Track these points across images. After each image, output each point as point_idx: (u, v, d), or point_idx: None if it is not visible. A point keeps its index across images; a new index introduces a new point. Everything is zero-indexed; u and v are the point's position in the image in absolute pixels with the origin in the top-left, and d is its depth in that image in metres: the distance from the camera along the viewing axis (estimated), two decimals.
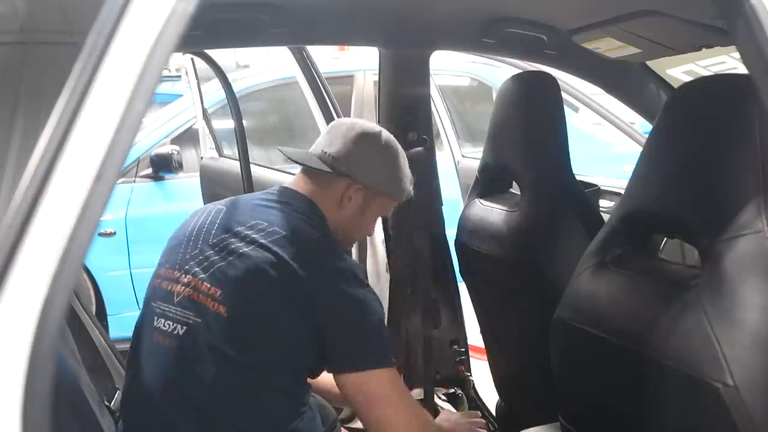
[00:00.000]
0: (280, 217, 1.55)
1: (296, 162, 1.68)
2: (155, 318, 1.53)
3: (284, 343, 1.46)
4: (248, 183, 2.86)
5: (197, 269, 1.51)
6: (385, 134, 1.71)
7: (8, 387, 0.74)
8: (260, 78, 4.69)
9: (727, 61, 2.08)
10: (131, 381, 1.58)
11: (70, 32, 0.86)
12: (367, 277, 2.33)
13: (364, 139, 1.67)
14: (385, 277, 2.45)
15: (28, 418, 0.74)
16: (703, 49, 1.89)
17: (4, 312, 0.74)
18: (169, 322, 1.51)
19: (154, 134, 4.27)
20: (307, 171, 1.67)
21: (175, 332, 1.49)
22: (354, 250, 2.48)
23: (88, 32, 0.79)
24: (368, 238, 2.45)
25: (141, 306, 1.63)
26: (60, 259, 0.75)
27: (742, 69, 1.11)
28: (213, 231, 1.56)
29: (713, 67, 2.16)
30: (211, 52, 3.03)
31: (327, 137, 1.69)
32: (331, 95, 2.56)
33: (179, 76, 4.98)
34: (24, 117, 0.84)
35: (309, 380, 1.58)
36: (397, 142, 1.73)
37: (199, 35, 1.76)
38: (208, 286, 1.48)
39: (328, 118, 2.53)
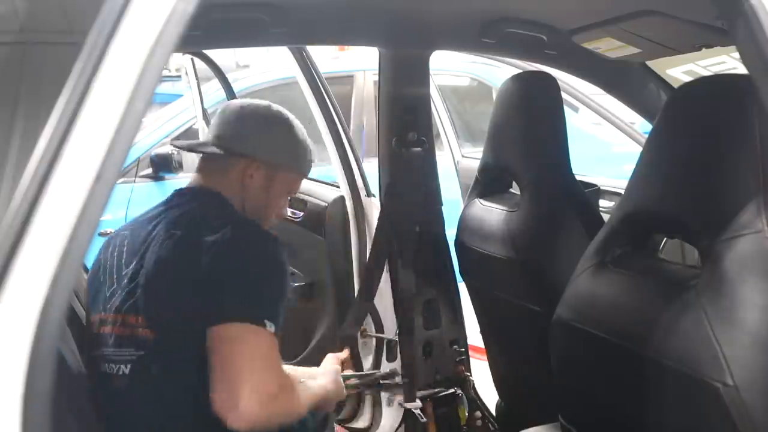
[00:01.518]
0: (177, 218, 1.52)
1: (190, 150, 1.69)
2: (101, 365, 1.49)
3: (195, 326, 1.39)
4: None
5: (118, 304, 1.48)
6: (275, 108, 1.68)
7: (8, 387, 0.74)
8: (260, 78, 4.69)
9: (727, 61, 2.08)
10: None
11: (70, 32, 0.86)
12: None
13: (254, 116, 1.65)
14: (385, 277, 2.45)
15: (28, 418, 0.74)
16: (703, 49, 1.89)
17: (4, 312, 0.74)
18: (112, 365, 1.46)
19: (154, 134, 4.27)
20: (205, 162, 1.65)
21: (120, 372, 1.45)
22: (354, 251, 2.48)
23: (88, 32, 0.79)
24: (368, 238, 2.46)
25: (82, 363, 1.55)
26: (60, 260, 0.75)
27: (742, 69, 1.11)
28: (123, 262, 1.53)
29: (713, 67, 2.16)
30: (211, 52, 3.03)
31: (217, 122, 1.66)
32: (331, 95, 2.56)
33: (179, 76, 4.98)
34: (24, 117, 0.84)
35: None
36: (288, 114, 1.69)
37: (199, 35, 1.76)
38: (134, 317, 1.45)
39: (328, 118, 2.52)
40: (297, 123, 1.70)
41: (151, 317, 1.44)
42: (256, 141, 1.62)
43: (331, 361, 1.92)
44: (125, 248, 1.54)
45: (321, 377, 1.81)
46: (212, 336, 1.37)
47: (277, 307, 1.43)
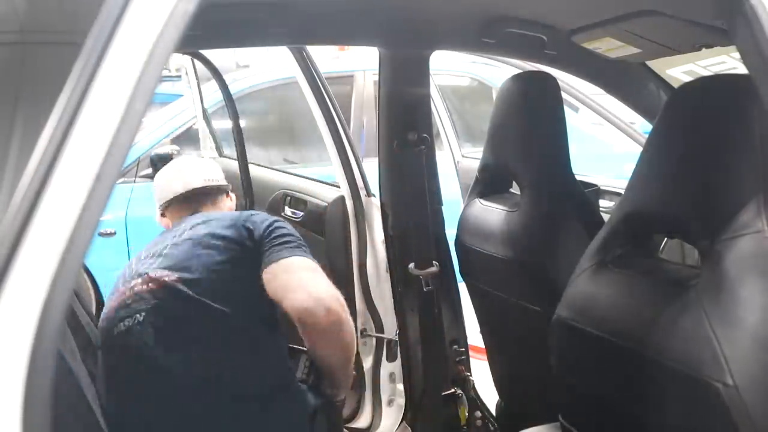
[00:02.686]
0: (193, 220, 1.91)
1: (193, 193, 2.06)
2: (114, 329, 1.67)
3: (244, 290, 1.70)
4: (247, 183, 2.86)
5: (143, 270, 1.74)
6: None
7: (8, 387, 0.74)
8: (260, 78, 4.69)
9: (727, 61, 2.08)
10: (111, 393, 1.66)
11: (70, 32, 0.86)
12: (366, 279, 2.35)
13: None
14: (385, 277, 2.45)
15: (28, 418, 0.74)
16: (703, 49, 1.89)
17: (4, 312, 0.74)
18: (128, 319, 1.65)
19: (154, 134, 4.27)
20: (189, 199, 2.05)
21: (135, 320, 1.64)
22: (354, 251, 2.48)
23: (88, 32, 0.79)
24: (368, 238, 2.46)
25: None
26: (60, 260, 0.75)
27: (742, 69, 1.11)
28: (143, 254, 1.85)
29: (713, 67, 2.15)
30: (211, 52, 3.03)
31: (192, 174, 2.08)
32: (331, 95, 2.56)
33: (179, 76, 4.98)
34: (24, 117, 0.84)
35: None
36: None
37: (199, 35, 1.76)
38: (159, 271, 1.71)
39: (328, 118, 2.52)
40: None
41: (183, 272, 1.69)
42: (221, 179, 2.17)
43: None
44: (154, 250, 1.85)
45: None
46: (268, 276, 1.68)
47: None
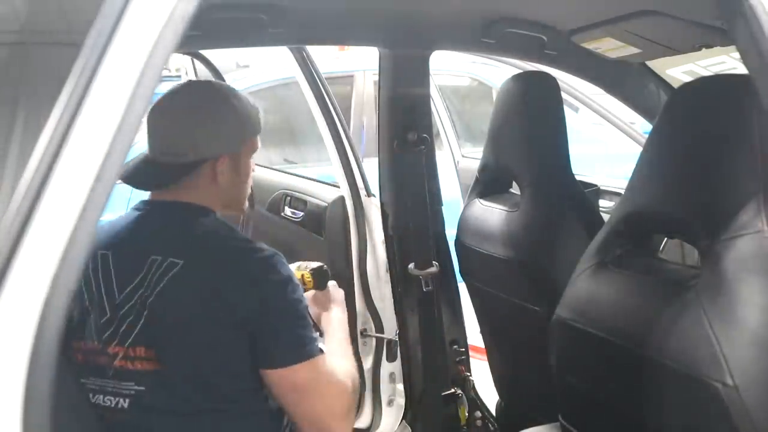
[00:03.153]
0: (170, 241, 1.45)
1: (143, 188, 1.57)
2: (92, 395, 1.42)
3: (226, 366, 1.41)
4: None
5: (119, 337, 1.41)
6: (201, 87, 1.60)
7: (8, 387, 0.74)
8: (260, 78, 4.70)
9: (727, 61, 2.08)
10: None
11: (70, 32, 0.85)
12: (366, 279, 2.29)
13: (193, 110, 1.51)
14: (385, 277, 2.45)
15: (28, 418, 0.74)
16: (703, 49, 1.89)
17: (4, 312, 0.74)
18: (110, 397, 1.41)
19: None
20: (160, 177, 1.53)
21: (120, 407, 1.40)
22: (354, 251, 2.48)
23: (88, 32, 0.79)
24: (368, 238, 2.45)
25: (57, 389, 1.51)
26: (60, 260, 0.75)
27: (742, 69, 1.11)
28: (114, 289, 1.43)
29: (713, 67, 2.15)
30: (211, 52, 3.03)
31: (158, 131, 1.50)
32: (331, 95, 2.55)
33: (179, 76, 4.98)
34: (24, 117, 0.84)
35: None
36: (214, 84, 1.62)
37: (199, 35, 1.76)
38: (142, 349, 1.39)
39: (328, 118, 2.52)
40: (224, 87, 1.60)
41: (165, 352, 1.38)
42: (213, 138, 1.48)
43: (337, 289, 1.84)
44: (113, 272, 1.45)
45: (337, 311, 1.76)
46: (274, 380, 1.41)
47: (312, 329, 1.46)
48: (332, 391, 1.46)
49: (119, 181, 0.88)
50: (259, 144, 1.61)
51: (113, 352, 1.41)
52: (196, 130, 1.48)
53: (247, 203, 1.64)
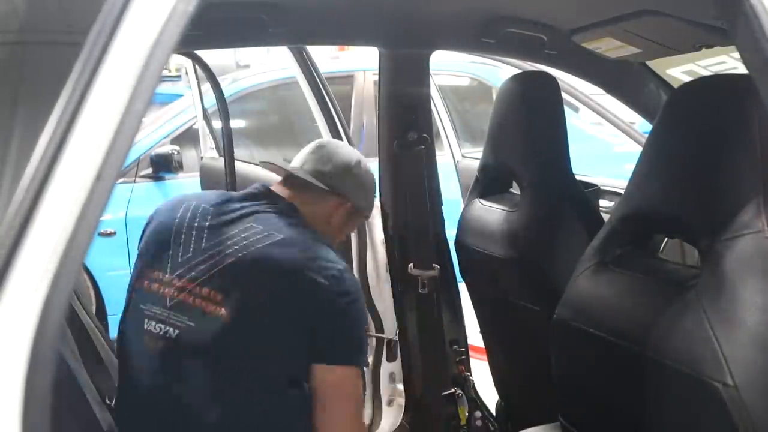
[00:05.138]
0: (272, 221, 1.55)
1: (296, 177, 1.71)
2: (146, 321, 1.50)
3: (283, 348, 1.47)
4: (231, 180, 2.89)
5: (193, 273, 1.49)
6: (363, 158, 1.81)
7: (8, 387, 0.74)
8: (260, 78, 4.69)
9: (727, 61, 2.08)
10: (123, 389, 1.57)
11: (70, 32, 0.85)
12: (366, 279, 2.31)
13: (354, 162, 1.76)
14: (385, 278, 2.45)
15: (28, 418, 0.74)
16: (703, 49, 1.89)
17: (4, 312, 0.74)
18: (160, 325, 1.49)
19: (154, 134, 4.27)
20: (295, 183, 1.71)
21: (167, 335, 1.47)
22: (354, 251, 2.48)
23: (88, 32, 0.79)
24: (368, 238, 2.46)
25: (125, 308, 1.59)
26: (60, 260, 0.75)
27: (742, 69, 1.11)
28: (204, 234, 1.54)
29: (713, 67, 2.15)
30: (212, 52, 3.03)
31: (316, 155, 1.75)
32: (331, 95, 2.56)
33: (179, 76, 4.99)
34: (24, 117, 0.84)
35: None
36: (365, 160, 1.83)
37: (199, 35, 1.76)
38: (208, 290, 1.47)
39: (328, 118, 2.53)
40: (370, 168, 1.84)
41: (233, 303, 1.45)
42: (356, 188, 1.75)
43: None
44: (207, 222, 1.56)
45: None
46: (316, 373, 1.48)
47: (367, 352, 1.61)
48: (361, 403, 1.61)
49: (121, 180, 0.88)
50: (367, 217, 1.93)
51: (181, 285, 1.49)
52: (348, 171, 1.74)
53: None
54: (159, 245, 1.58)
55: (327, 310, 1.48)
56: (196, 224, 1.57)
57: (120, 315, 1.61)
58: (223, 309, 1.44)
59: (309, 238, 1.56)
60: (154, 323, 1.49)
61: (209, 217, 1.57)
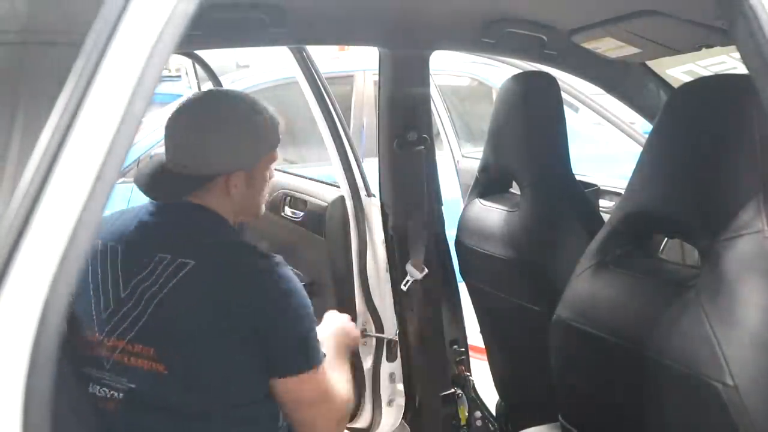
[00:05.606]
0: (180, 241, 1.45)
1: (156, 199, 1.52)
2: (90, 385, 1.43)
3: (231, 374, 1.42)
4: None
5: (121, 331, 1.41)
6: (223, 98, 1.57)
7: (8, 387, 0.74)
8: (260, 78, 4.70)
9: (727, 61, 2.08)
10: None
11: (70, 32, 0.85)
12: (366, 279, 2.29)
13: (213, 123, 1.48)
14: (385, 277, 2.45)
15: (28, 418, 0.74)
16: (703, 49, 1.89)
17: (4, 312, 0.74)
18: (104, 389, 1.42)
19: (154, 134, 4.26)
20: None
21: (114, 397, 1.41)
22: (354, 251, 2.48)
23: (88, 32, 0.79)
24: (368, 238, 2.45)
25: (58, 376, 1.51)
26: (60, 260, 0.75)
27: (742, 69, 1.11)
28: (120, 283, 1.44)
29: (713, 67, 2.15)
30: (212, 52, 3.03)
31: (176, 141, 1.50)
32: (331, 95, 2.55)
33: (179, 76, 4.98)
34: (24, 117, 0.84)
35: None
36: (237, 95, 1.57)
37: (199, 35, 1.76)
38: (141, 347, 1.40)
39: (328, 118, 2.52)
40: (245, 100, 1.54)
41: (166, 353, 1.39)
42: (228, 154, 1.47)
43: (336, 317, 1.89)
44: (119, 266, 1.45)
45: (332, 336, 1.75)
46: (273, 388, 1.44)
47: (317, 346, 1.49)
48: (331, 397, 1.51)
49: (121, 180, 0.88)
50: (274, 161, 1.59)
51: (112, 345, 1.42)
52: (211, 144, 1.46)
53: (262, 209, 1.62)
54: (82, 307, 1.47)
55: (262, 319, 1.39)
56: (108, 270, 1.46)
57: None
58: (159, 364, 1.38)
59: (222, 243, 1.46)
60: (98, 387, 1.43)
61: (119, 260, 1.46)
